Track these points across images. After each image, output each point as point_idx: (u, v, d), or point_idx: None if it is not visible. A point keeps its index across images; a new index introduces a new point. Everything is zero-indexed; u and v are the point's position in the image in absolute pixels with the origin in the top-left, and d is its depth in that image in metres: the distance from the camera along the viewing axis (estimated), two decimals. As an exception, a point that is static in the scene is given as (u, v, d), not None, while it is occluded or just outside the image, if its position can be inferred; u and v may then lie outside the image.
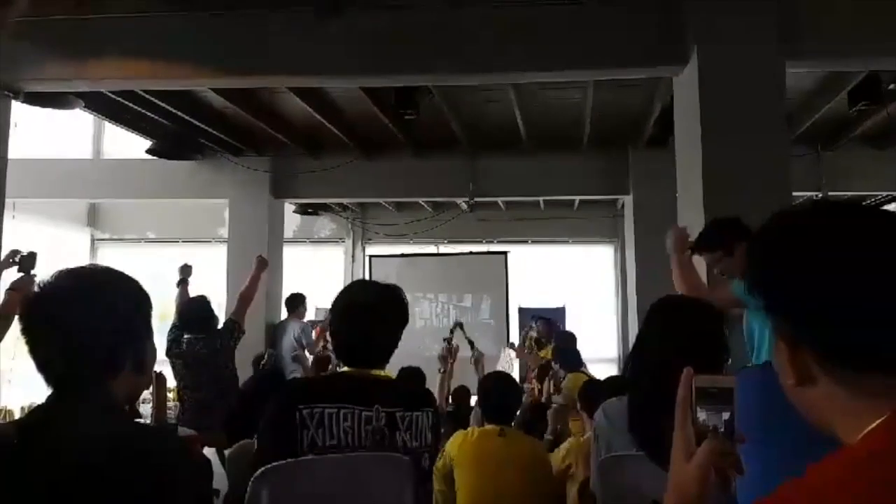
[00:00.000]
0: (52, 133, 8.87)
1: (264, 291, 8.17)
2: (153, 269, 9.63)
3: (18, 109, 5.28)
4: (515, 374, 7.14)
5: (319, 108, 6.68)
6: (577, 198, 9.92)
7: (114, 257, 10.75)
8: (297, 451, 1.89)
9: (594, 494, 2.31)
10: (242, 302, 4.92)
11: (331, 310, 2.16)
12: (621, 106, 6.84)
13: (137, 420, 2.17)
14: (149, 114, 6.80)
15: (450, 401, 5.14)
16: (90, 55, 4.93)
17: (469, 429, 3.26)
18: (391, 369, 2.70)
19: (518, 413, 4.00)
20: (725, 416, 0.92)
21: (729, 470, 0.91)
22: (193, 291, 5.20)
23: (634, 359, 2.18)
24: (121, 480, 1.18)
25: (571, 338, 6.39)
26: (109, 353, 1.30)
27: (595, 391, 3.57)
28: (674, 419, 0.95)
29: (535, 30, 4.68)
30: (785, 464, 1.13)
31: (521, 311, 10.01)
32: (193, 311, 4.82)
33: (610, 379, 4.20)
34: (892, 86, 5.82)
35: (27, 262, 3.23)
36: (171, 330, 4.85)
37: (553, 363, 6.08)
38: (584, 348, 6.36)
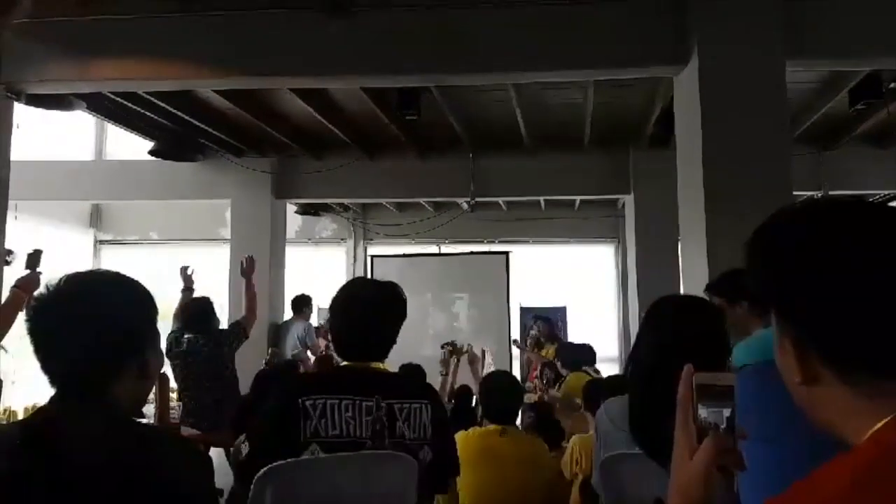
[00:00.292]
0: (54, 134, 8.89)
1: (267, 291, 8.21)
2: (156, 269, 9.66)
3: (20, 111, 5.29)
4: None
5: (321, 108, 6.68)
6: (578, 197, 9.92)
7: (116, 258, 10.76)
8: (298, 441, 1.92)
9: (596, 493, 2.32)
10: (250, 312, 5.00)
11: (330, 306, 2.19)
12: (622, 106, 6.84)
13: (140, 421, 2.18)
14: (151, 115, 6.81)
15: (452, 400, 5.15)
16: (92, 56, 4.94)
17: (470, 429, 3.27)
18: (391, 369, 2.71)
19: (520, 412, 4.00)
20: (726, 413, 0.92)
21: (731, 467, 0.92)
22: (196, 292, 5.21)
23: (632, 359, 2.19)
24: (123, 483, 1.18)
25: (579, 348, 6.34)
26: (114, 357, 1.31)
27: (596, 390, 3.58)
28: (673, 418, 0.96)
29: (537, 30, 4.68)
30: (788, 462, 1.14)
31: (523, 310, 10.01)
32: (194, 311, 4.86)
33: (610, 377, 4.21)
34: (892, 85, 5.82)
35: (33, 259, 3.25)
36: (171, 331, 4.87)
37: (555, 361, 6.09)
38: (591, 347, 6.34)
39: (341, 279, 10.74)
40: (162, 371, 5.21)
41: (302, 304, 8.07)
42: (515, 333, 9.50)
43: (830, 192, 7.65)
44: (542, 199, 9.98)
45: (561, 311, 10.22)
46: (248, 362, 5.29)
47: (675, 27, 4.55)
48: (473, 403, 4.72)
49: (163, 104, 6.41)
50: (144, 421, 4.53)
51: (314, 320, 8.51)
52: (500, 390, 3.38)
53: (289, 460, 1.95)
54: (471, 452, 3.10)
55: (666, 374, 1.10)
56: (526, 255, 10.81)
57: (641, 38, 4.66)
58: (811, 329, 0.82)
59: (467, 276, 9.96)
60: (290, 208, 9.58)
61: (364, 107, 6.61)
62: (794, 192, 4.37)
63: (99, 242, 10.99)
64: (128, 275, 1.41)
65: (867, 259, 0.79)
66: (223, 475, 2.78)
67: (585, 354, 5.87)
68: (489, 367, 5.50)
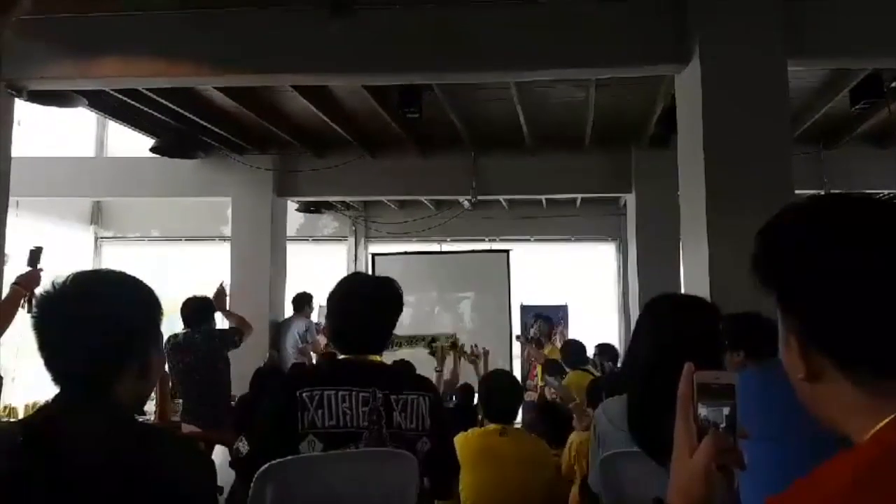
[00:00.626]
0: (55, 131, 8.88)
1: (267, 290, 8.23)
2: (156, 267, 9.67)
3: (22, 107, 5.29)
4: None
5: (323, 106, 6.68)
6: (579, 196, 9.92)
7: (117, 255, 10.76)
8: (295, 433, 1.94)
9: (594, 493, 2.32)
10: (247, 325, 5.04)
11: (328, 300, 2.21)
12: (624, 105, 6.84)
13: (141, 420, 2.19)
14: (152, 112, 6.81)
15: (452, 397, 5.15)
16: (94, 53, 4.94)
17: (470, 429, 3.27)
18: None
19: (521, 412, 4.00)
20: (727, 411, 0.92)
21: (732, 466, 0.92)
22: (196, 290, 5.24)
23: (630, 357, 2.19)
24: (124, 482, 1.19)
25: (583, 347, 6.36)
26: (117, 357, 1.32)
27: (598, 389, 3.58)
28: (672, 417, 0.95)
29: (538, 28, 4.68)
30: (790, 461, 1.14)
31: (524, 308, 10.01)
32: (193, 309, 4.91)
33: (611, 376, 4.21)
34: (893, 84, 5.81)
35: (33, 256, 3.25)
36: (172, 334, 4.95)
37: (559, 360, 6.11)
38: (585, 347, 6.37)
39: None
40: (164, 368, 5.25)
41: (303, 301, 8.09)
42: (516, 332, 9.50)
43: (831, 192, 7.64)
44: (543, 197, 9.98)
45: (562, 310, 10.21)
46: (248, 362, 5.29)
47: (676, 26, 4.55)
48: (475, 402, 4.72)
49: (164, 101, 6.41)
50: (144, 418, 4.55)
51: (315, 318, 8.51)
52: (500, 390, 3.38)
53: (289, 458, 1.95)
54: (471, 452, 3.10)
55: (665, 374, 1.10)
56: (527, 253, 10.79)
57: (642, 37, 4.65)
58: (815, 325, 0.82)
59: (468, 274, 9.95)
60: (292, 206, 9.58)
61: (365, 105, 6.61)
62: (796, 192, 4.36)
63: (100, 239, 11.00)
64: (133, 275, 1.42)
65: (871, 256, 0.79)
66: (224, 473, 2.79)
67: (586, 354, 5.90)
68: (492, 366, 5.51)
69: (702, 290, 4.10)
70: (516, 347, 8.97)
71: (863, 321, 0.78)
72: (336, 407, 1.97)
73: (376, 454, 2.04)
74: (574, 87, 6.32)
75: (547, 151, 8.11)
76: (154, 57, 4.93)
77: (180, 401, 5.01)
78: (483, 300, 9.77)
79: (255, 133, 7.85)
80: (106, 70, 5.00)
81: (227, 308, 5.09)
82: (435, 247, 11.06)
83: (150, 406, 4.87)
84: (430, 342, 5.74)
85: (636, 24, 4.64)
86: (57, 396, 1.29)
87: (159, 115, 6.94)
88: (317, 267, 10.84)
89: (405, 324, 6.72)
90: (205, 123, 7.20)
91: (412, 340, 6.10)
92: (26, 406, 6.31)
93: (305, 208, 10.20)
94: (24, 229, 6.35)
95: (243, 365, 5.10)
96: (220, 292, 4.99)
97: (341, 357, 2.19)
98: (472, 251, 10.54)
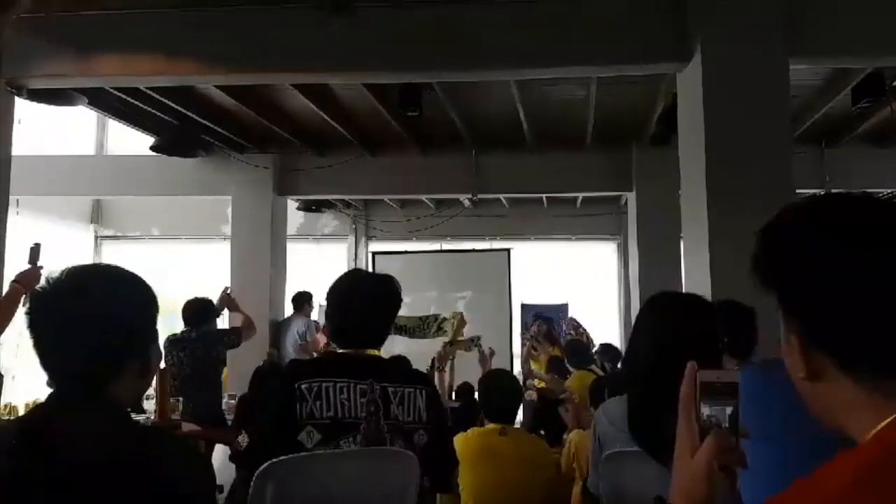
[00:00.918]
0: (55, 130, 8.88)
1: (268, 288, 8.23)
2: (157, 266, 9.67)
3: (22, 106, 5.28)
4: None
5: (323, 105, 6.68)
6: (580, 195, 9.91)
7: (117, 254, 10.76)
8: (294, 424, 1.95)
9: (595, 495, 2.31)
10: (249, 326, 5.15)
11: (327, 296, 2.23)
12: (625, 103, 6.83)
13: (139, 420, 2.18)
14: (152, 110, 6.81)
15: (453, 397, 5.15)
16: (94, 52, 4.93)
17: (470, 429, 3.27)
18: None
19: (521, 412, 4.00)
20: (729, 410, 0.92)
21: (733, 465, 0.91)
22: (197, 289, 5.28)
23: (630, 356, 2.19)
24: (122, 483, 1.18)
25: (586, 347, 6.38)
26: (114, 354, 1.30)
27: (601, 388, 3.58)
28: (673, 416, 0.95)
29: (538, 26, 4.67)
30: (790, 461, 1.14)
31: (524, 307, 10.01)
32: (194, 309, 4.99)
33: (612, 374, 4.21)
34: (895, 83, 5.80)
35: (33, 254, 3.24)
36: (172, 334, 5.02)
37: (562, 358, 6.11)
38: (589, 347, 6.37)
39: (342, 276, 10.72)
40: (163, 366, 5.27)
41: (302, 300, 8.10)
42: (517, 331, 9.50)
43: (832, 191, 7.63)
44: (543, 196, 9.98)
45: (562, 309, 10.21)
46: (249, 362, 5.30)
47: (677, 25, 4.54)
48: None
49: (165, 100, 6.41)
50: (145, 418, 4.55)
51: (315, 317, 8.51)
52: (500, 389, 3.38)
53: (289, 456, 1.95)
54: (471, 452, 3.10)
55: (666, 373, 1.09)
56: (527, 252, 10.79)
57: (643, 36, 4.65)
58: (815, 325, 0.82)
59: (469, 273, 9.95)
60: (292, 205, 9.58)
61: (366, 103, 6.60)
62: (797, 191, 4.36)
63: (99, 238, 11.00)
64: (129, 270, 1.40)
65: (871, 256, 0.79)
66: (224, 472, 2.78)
67: (590, 354, 5.90)
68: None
69: (703, 289, 4.09)
70: (517, 347, 8.97)
71: (863, 320, 0.78)
72: (334, 398, 1.99)
73: (377, 453, 2.04)
74: (575, 86, 6.32)
75: (547, 150, 8.10)
76: (154, 55, 4.92)
77: (180, 399, 5.02)
78: (483, 299, 9.77)
79: (255, 132, 7.84)
80: (106, 68, 5.00)
81: (237, 308, 5.25)
82: (435, 246, 11.06)
83: (151, 405, 4.88)
84: (441, 322, 5.72)
85: (637, 23, 4.63)
86: (52, 395, 1.27)
87: (159, 114, 6.94)
88: (317, 266, 10.84)
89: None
90: (205, 122, 7.20)
91: (422, 326, 6.02)
92: (26, 405, 6.31)
93: (306, 207, 10.20)
94: (24, 228, 6.35)
95: (244, 364, 5.12)
96: (226, 298, 5.19)
97: (340, 351, 2.22)
98: (473, 250, 10.55)
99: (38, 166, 8.02)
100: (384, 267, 9.22)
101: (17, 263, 3.31)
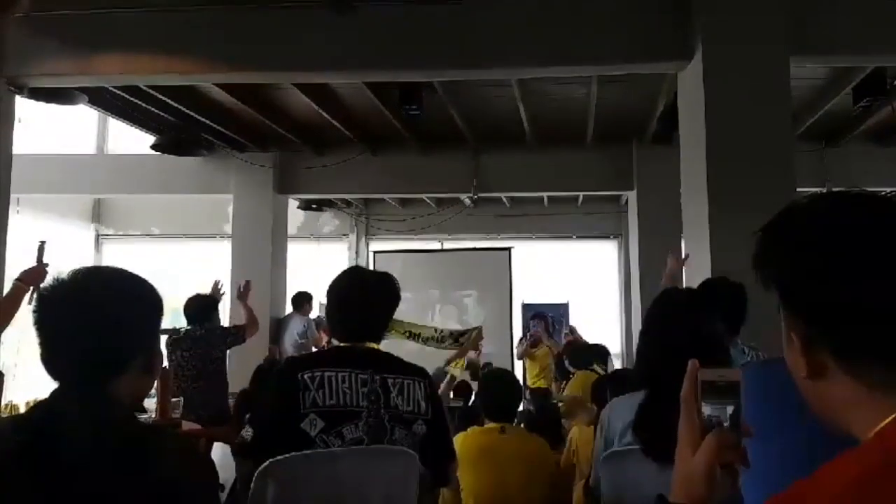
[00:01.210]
0: (56, 128, 8.88)
1: (268, 287, 8.23)
2: (157, 264, 9.67)
3: (22, 105, 5.28)
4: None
5: (324, 103, 6.68)
6: (581, 194, 9.91)
7: (118, 253, 10.77)
8: (298, 413, 1.99)
9: (596, 490, 2.31)
10: (253, 323, 5.14)
11: (328, 292, 2.29)
12: (626, 102, 6.83)
13: (141, 419, 2.18)
14: (153, 109, 6.81)
15: (451, 395, 5.15)
16: (94, 51, 4.94)
17: (469, 428, 3.27)
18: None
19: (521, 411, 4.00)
20: (730, 409, 0.92)
21: (735, 464, 0.91)
22: (198, 288, 5.27)
23: (638, 358, 2.19)
24: (122, 482, 1.18)
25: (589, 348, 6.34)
26: (118, 354, 1.31)
27: (602, 387, 3.58)
28: (678, 416, 0.95)
29: (539, 25, 4.67)
30: (788, 460, 1.14)
31: (525, 306, 10.01)
32: (197, 306, 4.97)
33: (614, 373, 4.21)
34: (896, 82, 5.80)
35: (39, 252, 3.23)
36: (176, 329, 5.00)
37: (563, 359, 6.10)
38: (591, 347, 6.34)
39: (343, 275, 10.71)
40: (164, 365, 5.26)
41: (302, 300, 8.12)
42: (517, 329, 9.51)
43: (834, 189, 7.63)
44: (544, 195, 9.98)
45: (563, 308, 10.21)
46: (250, 360, 5.30)
47: (678, 23, 4.54)
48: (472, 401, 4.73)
49: (165, 99, 6.41)
50: (146, 416, 4.55)
51: (315, 315, 8.52)
52: (500, 388, 3.39)
53: (290, 455, 1.96)
54: (471, 451, 3.10)
55: (674, 373, 1.09)
56: (528, 251, 10.80)
57: (645, 34, 4.64)
58: (816, 323, 0.82)
59: (469, 272, 9.96)
60: (293, 204, 9.58)
61: (366, 102, 6.60)
62: (798, 189, 4.36)
63: (100, 237, 11.01)
64: (133, 272, 1.42)
65: (873, 251, 0.79)
66: (224, 471, 2.79)
67: (595, 353, 5.89)
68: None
69: (703, 287, 4.08)
70: (517, 345, 8.96)
71: (864, 317, 0.78)
72: (336, 387, 2.03)
73: (378, 451, 2.04)
74: (576, 84, 6.31)
75: (548, 149, 8.10)
76: (155, 54, 4.92)
77: (181, 398, 5.02)
78: (484, 298, 9.78)
79: (255, 130, 7.85)
80: (107, 67, 5.00)
81: (248, 301, 5.25)
82: (436, 245, 11.06)
83: (151, 404, 4.87)
84: (459, 335, 5.72)
85: (638, 21, 4.62)
86: (55, 392, 1.28)
87: (160, 113, 6.94)
88: (318, 264, 10.84)
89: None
90: (206, 121, 7.20)
91: (438, 338, 5.98)
92: (27, 403, 6.31)
93: (306, 206, 10.20)
94: (24, 227, 6.35)
95: (245, 362, 5.12)
96: (247, 286, 5.22)
97: (340, 345, 2.27)
98: (474, 249, 10.55)
99: (39, 165, 8.02)
100: (385, 266, 9.21)
101: (17, 262, 3.30)
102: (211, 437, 4.30)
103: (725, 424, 0.91)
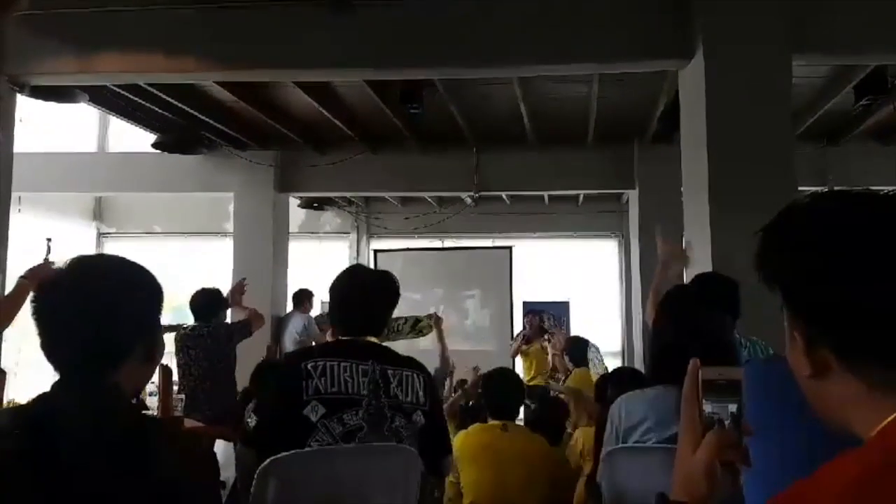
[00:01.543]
0: (57, 127, 8.89)
1: (269, 285, 8.23)
2: (159, 263, 9.64)
3: (23, 103, 5.29)
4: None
5: (325, 102, 6.67)
6: (582, 192, 9.90)
7: (119, 251, 10.68)
8: (300, 400, 2.05)
9: (599, 486, 2.32)
10: (258, 317, 5.08)
11: (330, 288, 2.37)
12: (626, 100, 6.82)
13: (144, 412, 2.18)
14: (154, 107, 6.81)
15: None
16: (95, 49, 4.93)
17: (471, 425, 3.28)
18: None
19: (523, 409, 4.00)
20: (732, 408, 0.92)
21: (736, 462, 0.91)
22: (198, 285, 5.24)
23: (651, 355, 2.20)
24: (123, 475, 1.17)
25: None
26: (118, 343, 1.29)
27: (605, 384, 3.59)
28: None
29: (540, 23, 4.67)
30: (787, 459, 1.14)
31: (526, 305, 10.02)
32: (202, 301, 4.90)
33: (616, 371, 4.21)
34: (897, 80, 5.80)
35: (48, 250, 3.21)
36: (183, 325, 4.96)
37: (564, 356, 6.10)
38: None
39: (344, 273, 10.72)
40: (165, 363, 5.25)
41: (302, 297, 8.12)
42: (518, 328, 9.51)
43: (835, 188, 7.62)
44: (545, 193, 9.97)
45: (564, 306, 10.22)
46: (250, 358, 5.29)
47: (679, 21, 4.53)
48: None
49: (166, 97, 6.41)
50: (148, 413, 4.55)
51: (316, 313, 8.53)
52: (503, 387, 3.40)
53: (292, 452, 1.97)
54: (473, 447, 3.11)
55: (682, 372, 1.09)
56: (529, 249, 10.80)
57: (646, 32, 4.64)
58: (819, 322, 0.82)
59: (470, 270, 9.96)
60: (294, 202, 9.58)
61: (367, 101, 6.60)
62: (799, 188, 4.35)
63: (102, 235, 11.01)
64: (134, 260, 1.41)
65: (874, 250, 0.79)
66: (226, 469, 2.79)
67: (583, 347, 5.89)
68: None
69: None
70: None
71: (865, 317, 0.78)
72: (338, 375, 2.10)
73: (379, 449, 2.05)
74: (577, 83, 6.31)
75: (549, 147, 8.09)
76: (156, 52, 4.92)
77: (182, 396, 5.02)
78: (485, 297, 9.78)
79: (256, 129, 7.84)
80: (107, 65, 5.00)
81: (241, 303, 5.15)
82: (437, 243, 11.06)
83: (153, 402, 4.87)
84: (414, 324, 5.69)
85: (639, 20, 4.62)
86: (56, 384, 1.27)
87: (161, 111, 6.94)
88: (319, 263, 10.84)
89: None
90: (207, 119, 7.20)
91: (395, 328, 5.99)
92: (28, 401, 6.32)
93: (307, 204, 10.20)
94: (26, 225, 6.36)
95: (245, 360, 5.10)
96: (239, 287, 5.09)
97: (342, 338, 2.34)
98: (474, 248, 10.55)
99: (40, 163, 8.02)
100: (385, 264, 9.22)
101: (19, 261, 3.29)
102: (212, 435, 4.30)
103: (727, 423, 0.92)
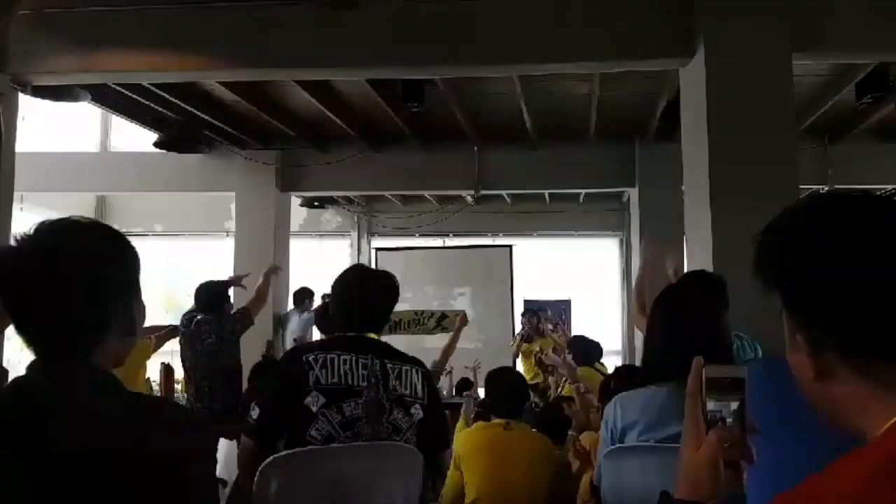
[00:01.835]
0: (59, 126, 8.90)
1: (271, 284, 8.22)
2: (160, 262, 9.69)
3: (26, 102, 5.29)
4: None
5: (326, 101, 6.68)
6: (583, 191, 9.90)
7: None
8: (301, 391, 2.10)
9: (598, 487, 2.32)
10: (258, 297, 5.02)
11: (332, 288, 2.44)
12: (628, 99, 6.82)
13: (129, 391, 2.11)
14: (155, 106, 6.82)
15: (453, 392, 5.16)
16: (97, 48, 4.94)
17: (475, 424, 3.28)
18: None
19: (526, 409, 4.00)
20: (735, 406, 0.92)
21: (740, 460, 0.92)
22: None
23: (644, 354, 2.20)
24: (110, 454, 1.09)
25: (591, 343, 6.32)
26: (94, 317, 1.17)
27: (608, 383, 3.59)
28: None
29: (541, 21, 4.67)
30: (789, 458, 1.14)
31: (527, 304, 10.02)
32: (207, 294, 4.89)
33: (617, 369, 4.21)
34: (900, 78, 5.79)
35: None
36: (189, 310, 4.93)
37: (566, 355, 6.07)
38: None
39: (345, 272, 10.74)
40: (167, 363, 5.25)
41: (302, 296, 8.12)
42: (518, 327, 9.51)
43: (836, 186, 7.63)
44: (546, 192, 9.97)
45: (565, 305, 10.22)
46: (251, 356, 5.30)
47: (681, 19, 4.52)
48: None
49: (168, 96, 6.41)
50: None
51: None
52: (507, 386, 3.41)
53: (294, 450, 1.99)
54: (476, 445, 3.12)
55: (680, 371, 1.10)
56: (530, 248, 10.80)
57: (647, 31, 4.64)
58: (822, 323, 0.81)
59: (471, 269, 9.95)
60: (295, 201, 9.59)
61: (368, 99, 6.60)
62: (800, 186, 4.35)
63: (104, 234, 11.00)
64: (104, 223, 1.31)
65: (873, 251, 0.79)
66: (227, 467, 2.80)
67: (598, 350, 5.87)
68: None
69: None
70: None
71: (870, 317, 0.78)
72: (338, 367, 2.16)
73: (380, 447, 2.06)
74: (578, 81, 6.30)
75: (550, 146, 8.09)
76: (157, 51, 4.92)
77: (184, 394, 5.02)
78: (485, 295, 9.77)
79: (258, 128, 7.85)
80: (109, 64, 5.00)
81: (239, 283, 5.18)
82: (438, 242, 11.06)
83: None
84: (440, 319, 5.71)
85: (641, 18, 4.62)
86: (32, 364, 1.17)
87: (163, 110, 6.95)
88: (320, 261, 10.85)
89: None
90: (208, 118, 7.21)
91: (419, 321, 6.00)
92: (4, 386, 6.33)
93: (309, 203, 10.21)
94: (28, 224, 6.35)
95: (245, 355, 5.09)
96: (275, 269, 5.14)
97: (342, 334, 2.38)
98: (475, 246, 10.55)
99: (42, 163, 8.03)
100: (387, 263, 9.22)
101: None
102: (215, 433, 4.29)
103: (729, 421, 0.92)
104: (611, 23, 4.65)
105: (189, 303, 5.05)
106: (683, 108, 4.89)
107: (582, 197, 10.40)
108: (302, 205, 10.13)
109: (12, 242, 1.17)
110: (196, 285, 5.13)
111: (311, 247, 11.09)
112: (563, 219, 10.89)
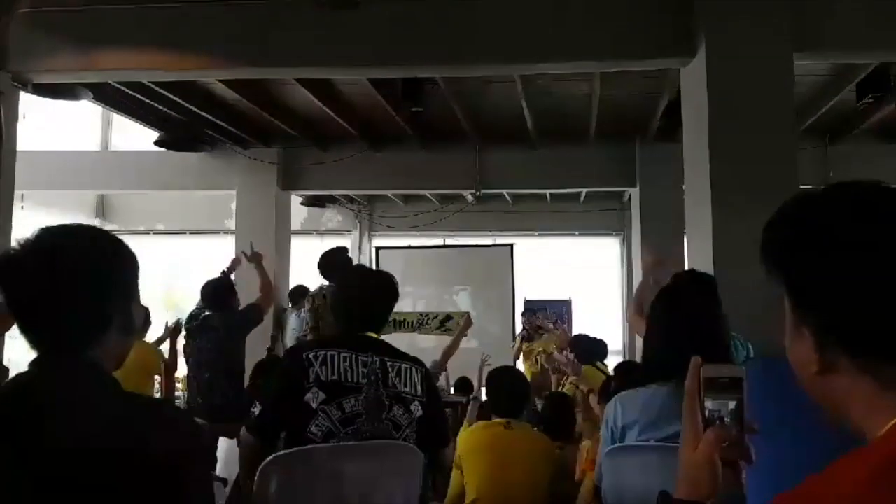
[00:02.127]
0: (60, 125, 8.90)
1: (272, 282, 8.22)
2: (161, 260, 9.68)
3: (26, 101, 5.29)
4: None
5: (327, 99, 6.68)
6: (584, 190, 9.90)
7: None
8: (302, 387, 2.13)
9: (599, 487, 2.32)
10: (265, 293, 5.00)
11: (334, 287, 2.50)
12: (629, 98, 6.82)
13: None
14: (156, 105, 6.82)
15: (452, 391, 5.16)
16: (98, 46, 4.94)
17: (476, 423, 3.29)
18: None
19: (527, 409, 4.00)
20: (733, 405, 0.92)
21: (738, 459, 0.92)
22: (201, 282, 5.23)
23: (644, 353, 2.20)
24: (108, 453, 1.10)
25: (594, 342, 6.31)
26: (93, 318, 1.22)
27: (609, 385, 3.59)
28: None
29: (542, 21, 4.67)
30: (788, 457, 1.14)
31: (527, 303, 10.02)
32: (213, 291, 4.88)
33: (617, 366, 4.22)
34: (901, 78, 5.78)
35: None
36: (196, 307, 4.93)
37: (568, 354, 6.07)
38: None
39: (346, 271, 10.73)
40: (166, 362, 5.24)
41: (297, 295, 8.11)
42: (519, 326, 9.51)
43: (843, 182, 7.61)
44: (547, 191, 9.97)
45: (566, 304, 10.22)
46: (251, 354, 5.29)
47: (681, 19, 4.52)
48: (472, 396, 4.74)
49: (169, 94, 6.41)
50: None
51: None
52: (507, 385, 3.41)
53: (294, 450, 1.99)
54: (476, 444, 3.12)
55: (679, 369, 1.10)
56: (531, 247, 10.79)
57: (648, 31, 4.63)
58: (833, 314, 0.80)
59: (472, 268, 9.94)
60: (296, 199, 9.59)
61: (369, 98, 6.60)
62: (801, 186, 4.34)
63: (105, 233, 11.01)
64: (100, 228, 1.37)
65: (886, 241, 0.77)
66: (228, 466, 2.80)
67: (600, 349, 5.87)
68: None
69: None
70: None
71: (873, 315, 0.77)
72: (338, 364, 2.20)
73: (381, 447, 2.06)
74: (579, 81, 6.30)
75: (551, 145, 8.09)
76: (158, 50, 4.92)
77: (185, 393, 5.02)
78: (486, 295, 9.76)
79: (259, 127, 7.85)
80: (110, 63, 5.00)
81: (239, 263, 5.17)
82: (438, 241, 11.06)
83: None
84: (444, 320, 5.73)
85: (642, 17, 4.62)
86: (33, 363, 1.20)
87: (164, 109, 6.95)
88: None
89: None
90: (209, 117, 7.20)
91: (423, 321, 6.01)
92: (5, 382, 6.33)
93: (309, 202, 10.20)
94: (29, 223, 6.36)
95: (248, 355, 5.08)
96: (254, 253, 5.05)
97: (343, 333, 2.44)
98: (476, 245, 10.54)
99: (43, 161, 8.03)
100: (387, 262, 9.22)
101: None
102: (214, 433, 4.29)
103: (727, 420, 0.92)
104: (611, 22, 4.65)
105: (190, 300, 5.05)
106: (684, 108, 4.89)
107: (583, 196, 10.39)
108: (303, 203, 10.13)
109: (14, 245, 1.21)
110: (198, 284, 5.15)
111: (312, 245, 11.07)
112: (564, 218, 10.88)
